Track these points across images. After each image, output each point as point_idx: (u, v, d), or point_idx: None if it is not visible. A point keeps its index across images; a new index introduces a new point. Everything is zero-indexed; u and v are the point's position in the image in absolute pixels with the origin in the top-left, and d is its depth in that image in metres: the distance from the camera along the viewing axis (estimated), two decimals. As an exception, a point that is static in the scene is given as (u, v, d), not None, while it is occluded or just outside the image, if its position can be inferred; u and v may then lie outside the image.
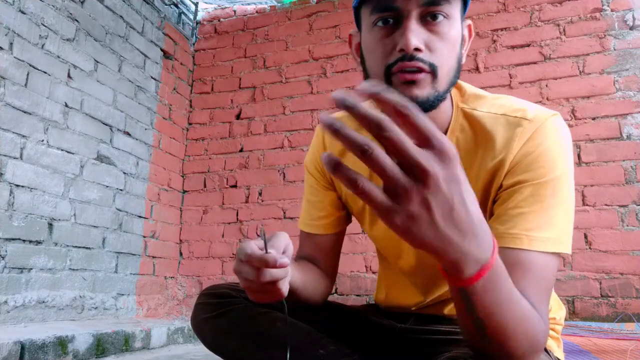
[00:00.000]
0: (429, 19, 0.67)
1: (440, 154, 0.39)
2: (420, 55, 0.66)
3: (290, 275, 0.71)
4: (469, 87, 0.81)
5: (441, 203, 0.40)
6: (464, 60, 0.74)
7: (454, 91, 0.80)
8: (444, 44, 0.68)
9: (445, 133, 0.77)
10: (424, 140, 0.39)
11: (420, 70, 0.66)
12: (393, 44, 0.67)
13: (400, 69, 0.66)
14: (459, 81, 0.82)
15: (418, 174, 0.39)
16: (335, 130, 0.39)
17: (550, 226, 0.66)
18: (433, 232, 0.41)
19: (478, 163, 0.74)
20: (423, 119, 0.39)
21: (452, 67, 0.69)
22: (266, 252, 0.64)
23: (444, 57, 0.68)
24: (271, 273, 0.64)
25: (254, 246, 0.64)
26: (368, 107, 0.39)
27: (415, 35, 0.65)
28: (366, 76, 0.74)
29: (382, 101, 0.38)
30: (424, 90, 0.67)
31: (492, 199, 0.74)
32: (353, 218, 0.99)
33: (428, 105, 0.68)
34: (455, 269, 0.46)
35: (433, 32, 0.67)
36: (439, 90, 0.68)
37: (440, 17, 0.67)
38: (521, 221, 0.66)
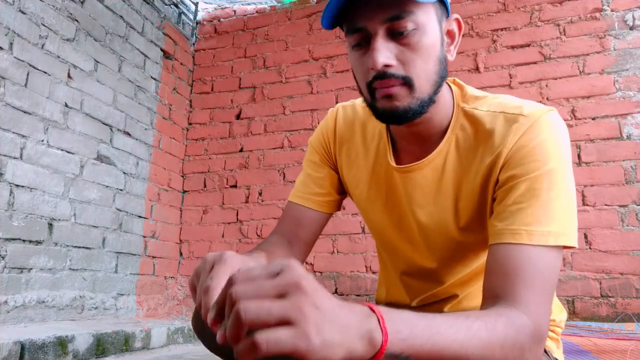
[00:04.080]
0: (397, 33, 0.68)
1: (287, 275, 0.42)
2: (392, 70, 0.68)
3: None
4: (470, 88, 0.82)
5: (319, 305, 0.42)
6: (451, 57, 0.76)
7: (456, 91, 0.81)
8: (416, 54, 0.69)
9: (445, 131, 0.79)
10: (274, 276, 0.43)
11: (394, 85, 0.69)
12: (367, 63, 0.70)
13: (378, 87, 0.70)
14: (461, 82, 0.83)
15: (290, 290, 0.41)
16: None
17: (549, 220, 0.66)
18: (326, 333, 0.41)
19: (478, 160, 0.75)
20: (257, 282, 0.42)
21: (431, 71, 0.71)
22: None
23: (419, 67, 0.69)
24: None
25: (218, 281, 0.54)
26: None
27: (382, 53, 0.68)
28: (359, 89, 0.77)
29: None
30: (403, 102, 0.70)
31: (491, 195, 0.74)
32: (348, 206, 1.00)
33: (412, 114, 0.71)
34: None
35: (403, 45, 0.69)
36: (421, 98, 0.71)
37: (409, 29, 0.68)
38: (520, 217, 0.67)
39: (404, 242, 0.88)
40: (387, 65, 0.68)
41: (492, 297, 0.64)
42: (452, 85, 0.82)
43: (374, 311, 0.46)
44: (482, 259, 0.83)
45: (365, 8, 0.68)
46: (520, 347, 0.58)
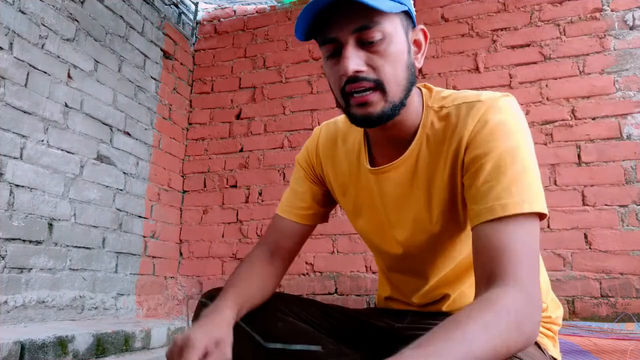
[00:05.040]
0: (366, 42, 0.73)
1: None
2: (363, 75, 0.73)
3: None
4: (438, 89, 0.87)
5: None
6: (419, 64, 0.81)
7: (425, 93, 0.86)
8: (385, 60, 0.74)
9: (416, 132, 0.83)
10: None
11: (368, 88, 0.73)
12: (340, 70, 0.75)
13: (351, 90, 0.74)
14: (430, 85, 0.88)
15: None
16: None
17: (520, 190, 0.68)
18: None
19: (445, 150, 0.80)
20: None
21: (401, 77, 0.76)
22: None
23: (388, 72, 0.74)
24: None
25: None
26: None
27: (353, 60, 0.72)
28: (335, 97, 0.81)
29: None
30: (377, 107, 0.74)
31: (459, 180, 0.78)
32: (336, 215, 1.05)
33: (386, 118, 0.76)
34: None
35: (373, 52, 0.74)
36: (394, 102, 0.75)
37: (377, 38, 0.73)
38: (492, 194, 0.69)
39: (387, 244, 0.91)
40: (358, 71, 0.73)
41: (485, 280, 0.65)
42: (422, 89, 0.86)
43: None
44: (464, 253, 0.85)
45: (336, 20, 0.73)
46: (517, 323, 0.58)
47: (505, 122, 0.74)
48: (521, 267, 0.63)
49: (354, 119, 0.78)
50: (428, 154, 0.82)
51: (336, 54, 0.75)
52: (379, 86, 0.74)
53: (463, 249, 0.84)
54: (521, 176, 0.69)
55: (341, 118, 0.99)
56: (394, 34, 0.75)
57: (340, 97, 0.77)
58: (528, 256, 0.65)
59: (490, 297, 0.60)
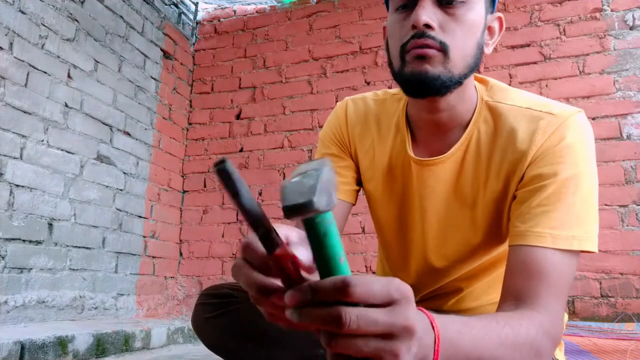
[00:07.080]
0: (445, 2, 0.69)
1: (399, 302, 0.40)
2: (431, 32, 0.68)
3: None
4: (494, 81, 0.82)
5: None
6: (488, 50, 0.76)
7: (479, 85, 0.81)
8: (458, 25, 0.69)
9: (468, 124, 0.78)
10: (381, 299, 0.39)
11: (431, 47, 0.68)
12: (409, 24, 0.70)
13: (413, 47, 0.69)
14: (486, 77, 0.82)
15: (401, 332, 0.39)
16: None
17: (574, 224, 0.66)
18: None
19: (500, 154, 0.75)
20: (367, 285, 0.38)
21: (468, 50, 0.71)
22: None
23: (457, 38, 0.69)
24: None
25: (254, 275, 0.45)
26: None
27: (426, 12, 0.68)
28: (389, 61, 0.76)
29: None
30: (435, 68, 0.68)
31: (512, 192, 0.74)
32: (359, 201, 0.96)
33: (439, 84, 0.69)
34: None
35: (448, 14, 0.69)
36: (453, 72, 0.69)
37: (457, 1, 0.69)
38: (544, 219, 0.66)
39: (413, 239, 0.86)
40: (427, 26, 0.68)
41: (514, 298, 0.65)
42: (474, 81, 0.81)
43: (433, 328, 0.47)
44: (490, 255, 0.82)
45: None
46: (538, 348, 0.60)
47: (578, 145, 0.69)
48: (555, 298, 0.64)
49: (405, 80, 0.71)
50: (476, 152, 0.77)
51: (409, 5, 0.70)
52: (443, 49, 0.68)
53: (492, 252, 0.82)
54: (580, 208, 0.67)
55: (371, 96, 0.91)
56: (475, 3, 0.71)
57: (398, 55, 0.71)
58: (563, 288, 0.65)
59: (524, 313, 0.62)
